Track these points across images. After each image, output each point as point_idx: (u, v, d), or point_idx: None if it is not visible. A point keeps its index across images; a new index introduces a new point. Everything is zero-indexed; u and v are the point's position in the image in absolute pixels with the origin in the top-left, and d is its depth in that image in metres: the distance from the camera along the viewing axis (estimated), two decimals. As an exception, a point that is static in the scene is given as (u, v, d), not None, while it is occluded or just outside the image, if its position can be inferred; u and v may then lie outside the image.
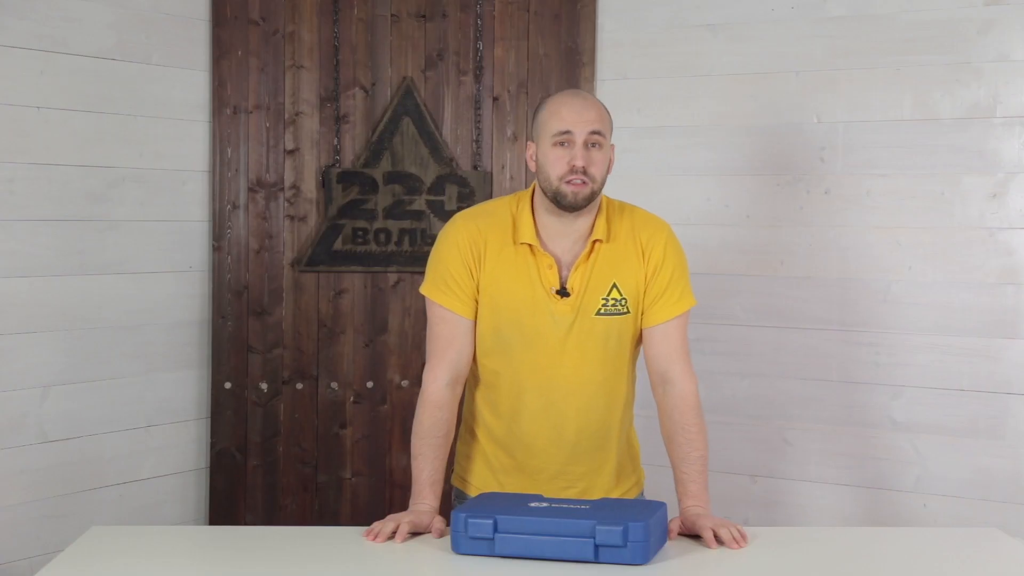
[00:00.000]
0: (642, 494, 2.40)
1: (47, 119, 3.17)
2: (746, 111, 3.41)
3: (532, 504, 2.01)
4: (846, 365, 3.30)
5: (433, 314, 2.26)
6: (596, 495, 2.28)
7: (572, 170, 2.13)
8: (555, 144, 2.15)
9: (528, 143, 2.24)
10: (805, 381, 3.35)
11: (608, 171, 2.20)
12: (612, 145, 2.22)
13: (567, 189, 2.14)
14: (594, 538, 1.90)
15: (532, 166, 2.23)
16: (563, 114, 2.15)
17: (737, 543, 2.05)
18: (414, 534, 2.11)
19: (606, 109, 2.21)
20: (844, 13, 3.28)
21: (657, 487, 2.50)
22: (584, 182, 2.14)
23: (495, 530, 1.94)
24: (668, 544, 2.06)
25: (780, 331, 3.37)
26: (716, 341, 3.42)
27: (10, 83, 3.08)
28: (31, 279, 3.15)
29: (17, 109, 3.10)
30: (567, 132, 2.14)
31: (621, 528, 1.89)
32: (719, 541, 2.06)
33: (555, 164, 2.15)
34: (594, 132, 2.14)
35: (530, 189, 2.26)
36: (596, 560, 1.91)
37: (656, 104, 3.51)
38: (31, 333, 3.16)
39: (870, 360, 3.27)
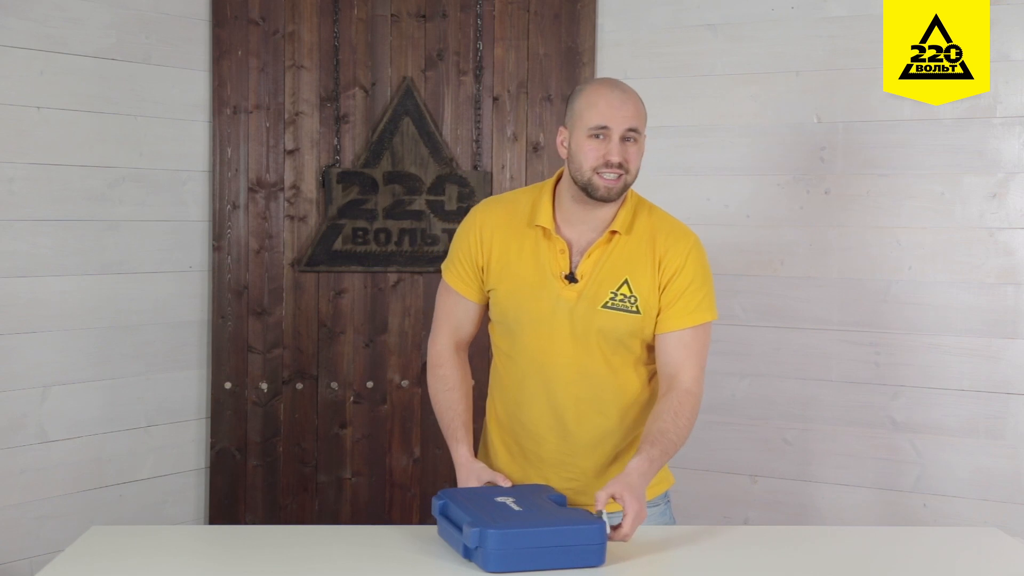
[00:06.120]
0: (667, 497, 2.34)
1: (47, 119, 3.17)
2: (746, 111, 3.41)
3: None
4: (846, 365, 3.30)
5: (440, 287, 2.34)
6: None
7: (607, 164, 2.12)
8: (590, 136, 2.13)
9: (560, 128, 2.21)
10: (805, 381, 3.35)
11: (640, 163, 2.18)
12: (645, 136, 2.19)
13: (600, 182, 2.13)
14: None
15: (562, 152, 2.21)
16: (601, 107, 2.13)
17: (614, 534, 1.97)
18: None
19: (642, 102, 2.18)
20: (844, 13, 3.28)
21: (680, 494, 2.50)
22: (619, 176, 2.13)
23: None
24: (668, 542, 2.06)
25: (780, 331, 3.37)
26: (716, 341, 3.39)
27: (10, 83, 3.08)
28: (31, 279, 3.15)
29: (17, 109, 3.10)
30: (604, 127, 2.12)
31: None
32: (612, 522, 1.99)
33: (589, 155, 2.13)
34: (631, 129, 2.13)
35: (555, 176, 2.26)
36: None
37: (656, 104, 3.48)
38: (31, 333, 3.16)
39: (870, 360, 3.27)
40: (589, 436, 2.24)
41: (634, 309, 2.18)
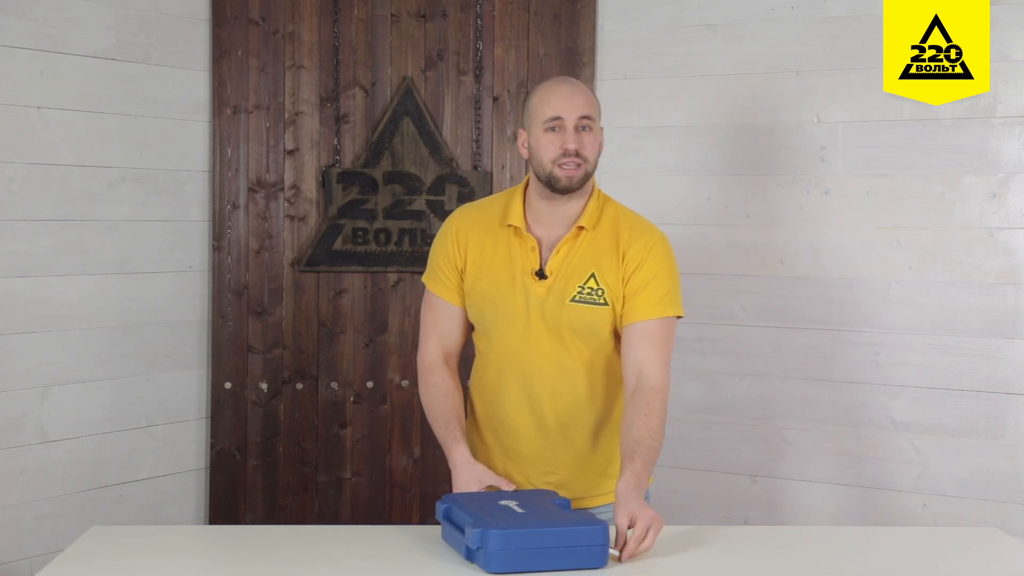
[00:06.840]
0: (647, 496, 2.34)
1: (47, 119, 3.16)
2: (746, 111, 3.41)
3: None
4: (846, 365, 3.30)
5: (424, 298, 2.39)
6: (578, 486, 2.28)
7: (565, 153, 2.19)
8: (546, 130, 2.21)
9: (519, 131, 2.29)
10: (805, 381, 3.35)
11: (599, 153, 2.25)
12: (601, 128, 2.27)
13: (561, 173, 2.20)
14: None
15: (524, 153, 2.28)
16: (553, 101, 2.21)
17: (638, 544, 1.98)
18: None
19: (593, 94, 2.28)
20: (844, 13, 3.28)
21: (658, 490, 2.50)
22: (578, 164, 2.20)
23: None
24: (668, 542, 2.06)
25: (780, 331, 3.37)
26: (716, 341, 3.42)
27: (10, 83, 3.08)
28: (31, 279, 3.15)
29: (17, 109, 3.10)
30: (557, 118, 2.20)
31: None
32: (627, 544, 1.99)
33: (547, 148, 2.20)
34: (583, 116, 2.20)
35: (525, 180, 2.32)
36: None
37: (656, 104, 3.51)
38: (31, 333, 3.16)
39: (870, 360, 3.27)
40: (566, 430, 2.27)
41: (602, 301, 2.22)
